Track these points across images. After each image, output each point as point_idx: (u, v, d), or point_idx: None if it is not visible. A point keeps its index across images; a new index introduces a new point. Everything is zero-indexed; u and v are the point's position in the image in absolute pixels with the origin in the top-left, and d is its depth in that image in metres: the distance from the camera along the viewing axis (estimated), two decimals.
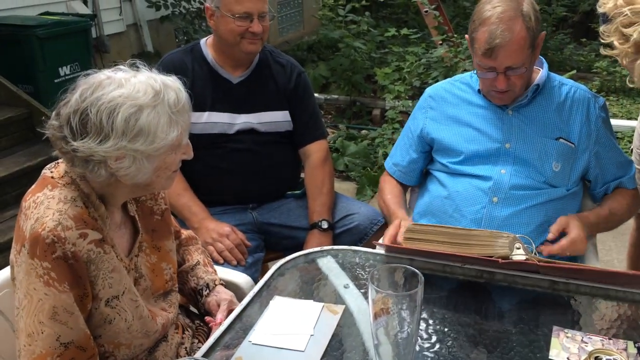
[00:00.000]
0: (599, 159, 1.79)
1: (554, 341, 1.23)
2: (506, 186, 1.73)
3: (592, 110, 1.78)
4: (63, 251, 1.17)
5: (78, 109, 1.18)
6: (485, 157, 1.78)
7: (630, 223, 2.50)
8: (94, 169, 1.20)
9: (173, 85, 1.25)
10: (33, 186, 1.28)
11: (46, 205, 1.20)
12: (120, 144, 1.17)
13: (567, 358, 1.18)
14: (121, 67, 1.25)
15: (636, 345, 1.19)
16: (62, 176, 1.25)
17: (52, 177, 1.26)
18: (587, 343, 1.21)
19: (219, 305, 1.51)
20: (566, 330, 1.26)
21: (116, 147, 1.17)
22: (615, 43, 1.38)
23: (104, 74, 1.22)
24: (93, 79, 1.21)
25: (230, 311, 1.46)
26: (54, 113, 1.22)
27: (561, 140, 1.76)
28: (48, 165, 1.31)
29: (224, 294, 1.55)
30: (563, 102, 1.79)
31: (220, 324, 1.38)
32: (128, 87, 1.19)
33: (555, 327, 1.27)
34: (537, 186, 1.73)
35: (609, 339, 1.22)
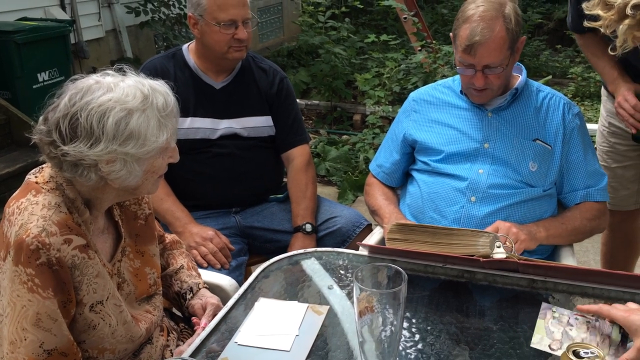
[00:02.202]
0: (568, 162, 1.83)
1: (539, 323, 1.26)
2: (484, 185, 1.77)
3: (566, 116, 1.83)
4: (47, 257, 1.17)
5: (67, 114, 1.18)
6: (465, 156, 1.82)
7: None
8: (83, 172, 1.21)
9: (161, 90, 1.27)
10: (17, 192, 1.27)
11: (30, 211, 1.20)
12: (111, 147, 1.19)
13: (549, 345, 1.20)
14: (109, 71, 1.26)
15: (621, 331, 1.20)
16: (47, 181, 1.25)
17: (37, 183, 1.26)
18: (572, 326, 1.23)
19: (204, 309, 1.52)
20: (554, 309, 1.28)
21: (107, 151, 1.19)
22: (600, 13, 1.50)
23: (92, 79, 1.23)
24: (82, 83, 1.22)
25: (215, 315, 1.47)
26: (41, 118, 1.23)
27: (538, 141, 1.81)
28: (32, 170, 1.30)
29: (210, 298, 1.55)
30: (540, 107, 1.84)
31: (204, 328, 1.38)
32: (117, 91, 1.20)
33: (544, 305, 1.30)
34: (514, 185, 1.77)
35: (596, 320, 1.24)
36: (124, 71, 1.28)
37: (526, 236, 1.65)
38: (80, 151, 1.18)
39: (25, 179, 1.29)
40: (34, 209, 1.20)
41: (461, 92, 1.89)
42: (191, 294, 1.56)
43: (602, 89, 2.32)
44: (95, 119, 1.17)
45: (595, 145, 2.38)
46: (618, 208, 2.38)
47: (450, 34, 1.83)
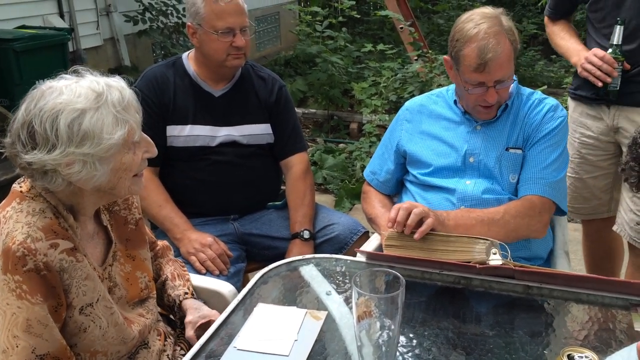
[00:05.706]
0: (525, 157, 1.80)
1: (634, 315, 1.36)
2: (472, 194, 1.79)
3: (545, 118, 1.80)
4: (35, 263, 1.18)
5: (24, 123, 1.19)
6: (453, 171, 1.84)
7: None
8: (51, 179, 1.21)
9: (116, 85, 1.26)
10: (3, 201, 1.29)
11: (15, 219, 1.21)
12: (68, 150, 1.18)
13: None
14: (65, 75, 1.26)
15: None
16: (30, 189, 1.27)
17: (21, 191, 1.27)
18: None
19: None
20: None
21: (64, 154, 1.18)
22: None
23: (45, 85, 1.23)
24: (37, 91, 1.22)
25: (207, 325, 1.45)
26: (7, 131, 1.23)
27: (510, 150, 1.81)
28: (18, 179, 1.31)
29: (189, 314, 1.53)
30: (525, 115, 1.83)
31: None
32: (68, 93, 1.20)
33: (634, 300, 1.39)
34: (500, 199, 1.78)
35: None
36: (80, 72, 1.26)
37: (434, 217, 1.59)
38: (39, 158, 1.18)
39: (12, 187, 1.30)
40: (18, 216, 1.22)
41: (455, 102, 1.89)
42: (177, 307, 1.57)
43: (569, 99, 2.34)
44: (48, 124, 1.17)
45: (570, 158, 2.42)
46: (592, 217, 2.41)
47: (445, 57, 1.82)
